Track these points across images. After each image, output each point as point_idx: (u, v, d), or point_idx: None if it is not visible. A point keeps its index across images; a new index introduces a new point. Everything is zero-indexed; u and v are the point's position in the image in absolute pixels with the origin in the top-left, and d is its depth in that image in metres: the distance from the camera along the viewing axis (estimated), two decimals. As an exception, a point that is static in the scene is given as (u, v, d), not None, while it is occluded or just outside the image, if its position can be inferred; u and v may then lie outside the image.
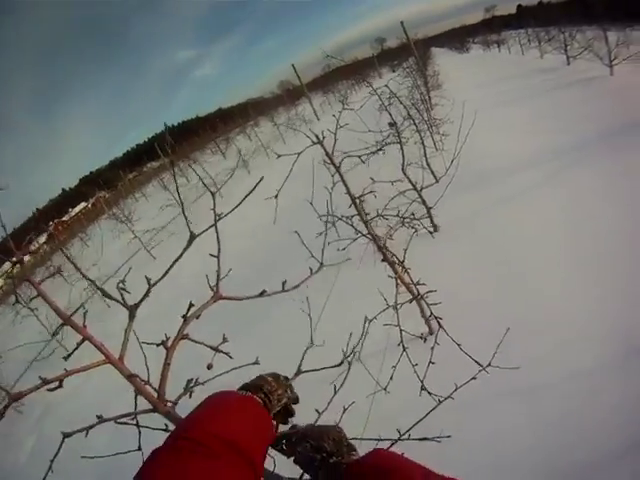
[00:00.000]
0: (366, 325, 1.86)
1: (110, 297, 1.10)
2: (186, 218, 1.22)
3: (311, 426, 1.14)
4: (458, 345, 2.30)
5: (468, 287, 3.57)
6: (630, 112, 6.21)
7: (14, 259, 1.10)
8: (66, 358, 1.15)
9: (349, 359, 1.57)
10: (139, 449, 1.25)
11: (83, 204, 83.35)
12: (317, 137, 2.58)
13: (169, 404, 1.18)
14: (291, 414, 1.15)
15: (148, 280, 1.12)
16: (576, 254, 3.57)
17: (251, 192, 1.25)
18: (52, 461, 1.16)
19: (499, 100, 10.57)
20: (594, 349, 2.62)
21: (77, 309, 1.14)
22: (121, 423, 1.22)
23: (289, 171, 2.36)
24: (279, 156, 2.55)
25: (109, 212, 21.27)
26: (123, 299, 1.09)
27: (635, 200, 3.99)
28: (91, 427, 1.14)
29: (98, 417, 1.13)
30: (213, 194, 1.35)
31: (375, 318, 2.21)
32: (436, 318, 2.50)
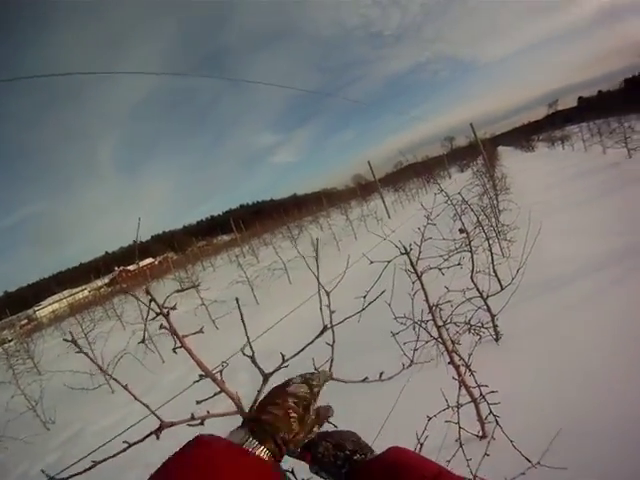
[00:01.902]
0: (427, 422, 2.04)
1: (255, 364, 1.26)
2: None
3: (325, 431, 1.12)
4: (511, 441, 2.52)
5: (526, 391, 3.68)
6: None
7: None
8: (198, 402, 1.22)
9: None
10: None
11: (151, 259, 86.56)
12: (404, 248, 2.97)
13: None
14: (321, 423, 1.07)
15: (283, 356, 1.23)
16: (636, 360, 3.60)
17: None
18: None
19: (564, 203, 10.67)
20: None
21: (215, 368, 1.21)
22: None
23: (379, 276, 2.67)
24: (371, 262, 2.94)
25: (175, 273, 21.76)
26: (259, 368, 1.24)
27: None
28: (192, 419, 1.22)
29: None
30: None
31: (435, 416, 2.51)
32: (494, 416, 2.78)
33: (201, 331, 1.26)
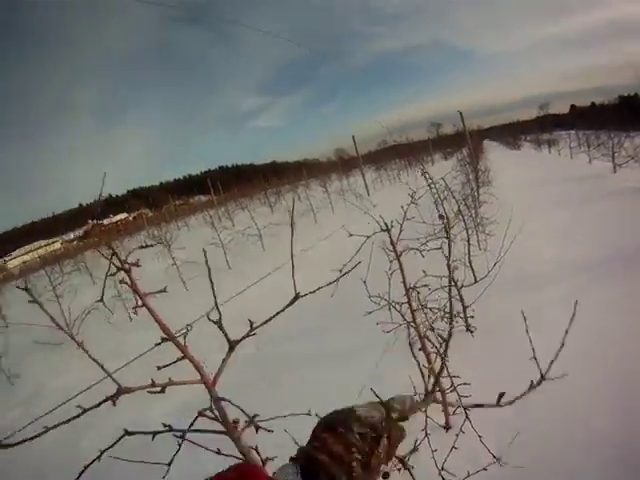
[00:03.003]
0: None
1: (221, 329, 1.22)
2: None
3: None
4: (479, 436, 2.49)
5: (492, 385, 3.70)
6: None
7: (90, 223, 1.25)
8: (159, 368, 1.21)
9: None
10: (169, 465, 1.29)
11: (125, 215, 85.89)
12: (386, 225, 2.92)
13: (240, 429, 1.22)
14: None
15: (251, 323, 1.20)
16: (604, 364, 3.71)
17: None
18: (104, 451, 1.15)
19: (545, 204, 10.80)
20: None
21: (179, 332, 1.21)
22: (178, 436, 1.21)
23: (357, 250, 2.58)
24: (351, 235, 2.83)
25: (149, 230, 21.77)
26: (225, 334, 1.20)
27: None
28: (158, 432, 1.17)
29: (165, 425, 1.17)
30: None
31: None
32: (465, 409, 2.72)
33: (164, 290, 1.24)
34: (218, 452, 1.33)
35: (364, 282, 3.16)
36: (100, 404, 1.13)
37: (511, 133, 53.46)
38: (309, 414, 1.32)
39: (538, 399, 3.37)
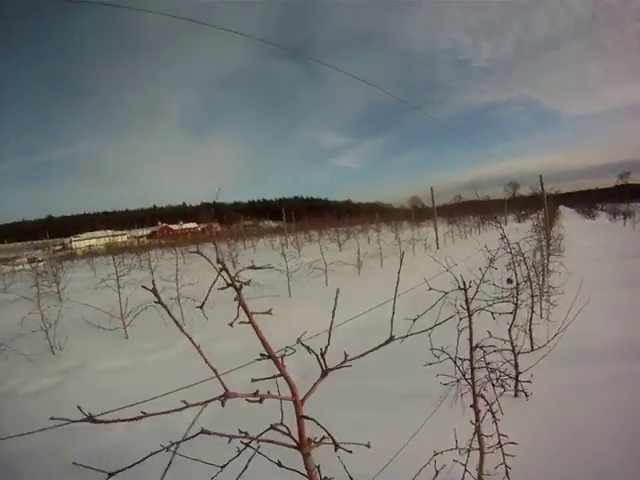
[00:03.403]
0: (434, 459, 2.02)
1: (320, 358, 1.37)
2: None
3: None
4: None
5: (534, 453, 3.75)
6: None
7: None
8: (254, 380, 1.35)
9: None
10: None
11: (194, 224, 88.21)
12: (464, 283, 3.10)
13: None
14: None
15: (345, 355, 1.36)
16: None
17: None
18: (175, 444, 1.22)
19: (616, 279, 10.45)
20: None
21: (279, 351, 1.34)
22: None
23: (432, 305, 2.76)
24: (430, 289, 3.03)
25: (216, 243, 22.12)
26: (322, 361, 1.37)
27: None
28: (234, 437, 1.28)
29: (241, 432, 1.28)
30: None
31: (442, 453, 2.62)
32: (506, 467, 2.88)
33: (269, 312, 1.33)
34: (279, 464, 1.49)
35: (429, 335, 3.34)
36: (207, 402, 1.23)
37: (587, 201, 51.69)
38: (368, 446, 1.48)
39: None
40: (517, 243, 5.83)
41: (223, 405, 1.20)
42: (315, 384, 1.41)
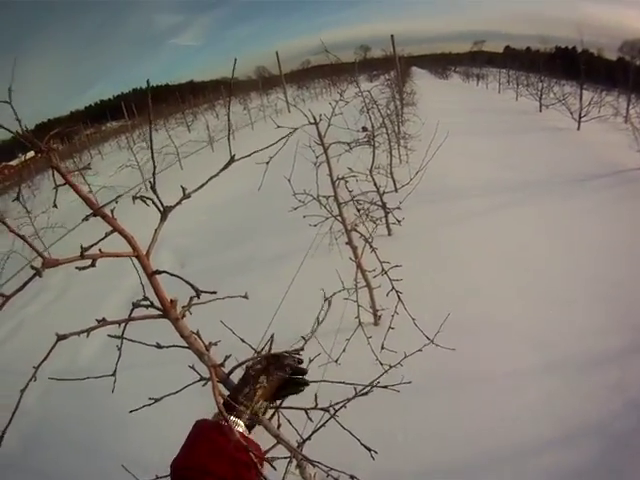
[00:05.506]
0: (325, 304, 1.91)
1: (143, 199, 1.10)
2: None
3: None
4: (413, 319, 2.66)
5: (414, 280, 3.81)
6: (586, 166, 6.95)
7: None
8: (86, 248, 1.17)
9: (306, 337, 1.58)
10: (113, 374, 1.26)
11: (33, 153, 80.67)
12: (314, 118, 2.84)
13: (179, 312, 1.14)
14: (300, 383, 1.14)
15: (184, 189, 1.12)
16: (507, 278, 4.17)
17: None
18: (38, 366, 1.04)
19: (469, 129, 11.02)
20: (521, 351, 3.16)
21: (105, 204, 1.08)
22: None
23: (283, 144, 2.48)
24: (278, 126, 2.67)
25: (62, 164, 20.38)
26: (160, 200, 1.08)
27: (568, 238, 4.73)
28: (92, 329, 1.09)
29: (98, 321, 1.09)
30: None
31: (331, 296, 2.45)
32: (397, 292, 2.78)
33: (88, 167, 1.37)
34: (158, 346, 1.29)
35: (288, 180, 3.09)
36: (28, 281, 0.96)
37: (441, 64, 53.16)
38: (246, 297, 1.26)
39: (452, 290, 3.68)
40: (369, 91, 5.62)
41: (40, 275, 0.91)
42: (156, 230, 1.10)
